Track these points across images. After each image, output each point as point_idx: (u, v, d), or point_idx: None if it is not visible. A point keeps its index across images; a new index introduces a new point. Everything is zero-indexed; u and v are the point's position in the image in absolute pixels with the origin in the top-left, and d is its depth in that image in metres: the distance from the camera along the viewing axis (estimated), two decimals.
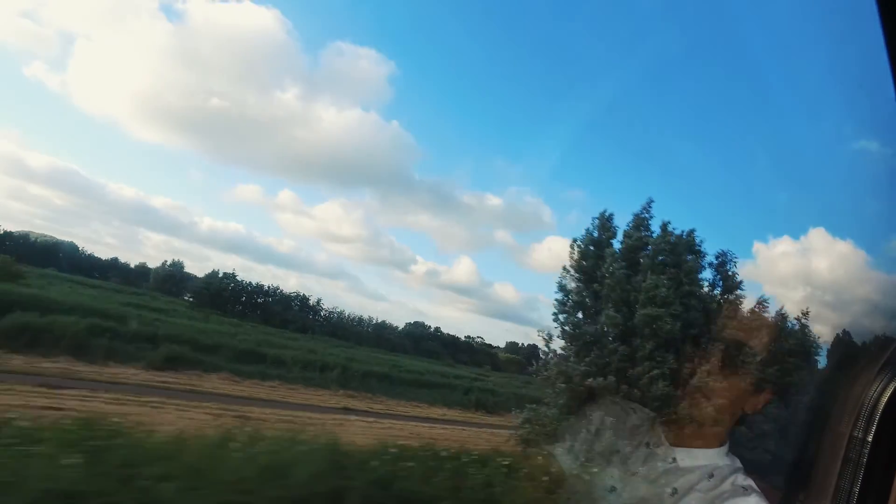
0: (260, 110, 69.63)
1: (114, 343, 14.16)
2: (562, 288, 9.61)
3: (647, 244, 9.25)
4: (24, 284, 22.68)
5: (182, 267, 55.13)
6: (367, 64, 70.22)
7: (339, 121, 74.38)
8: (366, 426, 12.55)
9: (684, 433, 1.08)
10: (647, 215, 9.39)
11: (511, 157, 63.72)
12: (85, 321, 13.82)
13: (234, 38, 69.37)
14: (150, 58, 68.78)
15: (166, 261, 56.03)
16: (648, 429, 1.15)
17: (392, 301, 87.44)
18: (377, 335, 50.72)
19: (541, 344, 8.38)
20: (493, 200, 68.77)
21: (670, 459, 1.06)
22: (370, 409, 15.91)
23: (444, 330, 62.49)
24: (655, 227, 8.23)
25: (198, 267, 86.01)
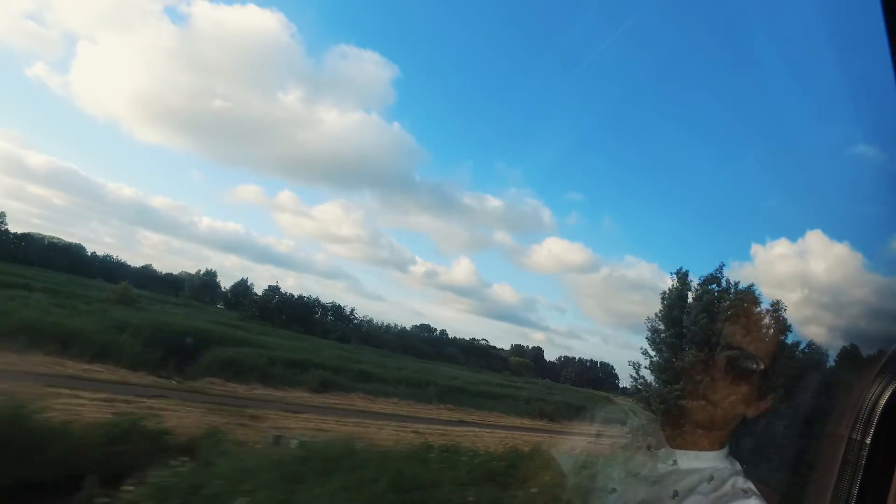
0: (262, 112, 70.19)
1: (276, 368, 17.40)
2: (652, 330, 13.99)
3: (721, 299, 13.72)
4: (139, 308, 25.50)
5: (215, 276, 57.66)
6: (370, 67, 71.22)
7: (340, 122, 75.30)
8: (493, 436, 16.01)
9: (685, 436, 1.10)
10: (718, 275, 13.94)
11: (512, 159, 65.25)
12: (265, 352, 17.07)
13: (238, 40, 69.09)
14: (152, 60, 68.51)
15: (199, 270, 58.50)
16: (649, 431, 1.20)
17: (390, 301, 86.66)
18: (403, 343, 53.77)
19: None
20: (494, 202, 71.04)
21: (671, 462, 1.09)
22: (474, 421, 19.38)
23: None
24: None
25: (195, 267, 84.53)
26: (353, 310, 52.46)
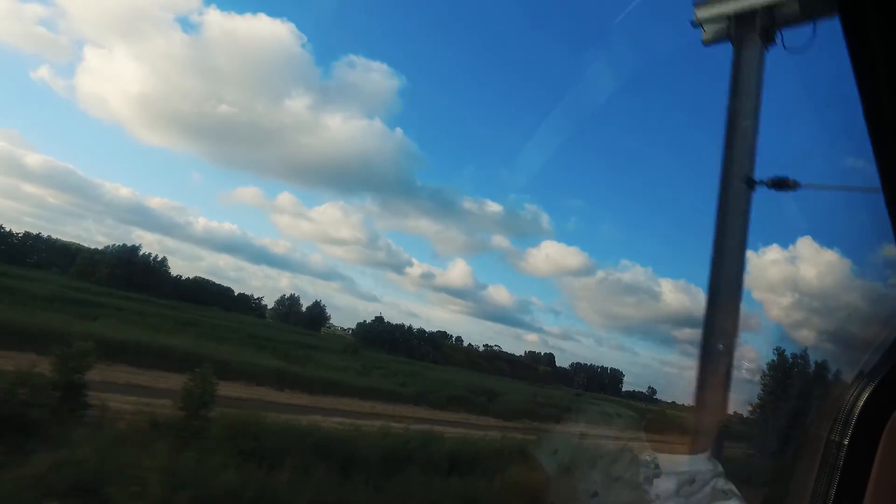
0: (268, 118, 73.69)
1: (537, 408, 26.33)
2: (762, 382, 24.65)
3: (798, 365, 24.59)
4: (363, 357, 33.28)
5: (298, 300, 63.94)
6: (377, 77, 75.54)
7: (345, 128, 77.95)
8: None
9: (667, 439, 1.21)
10: (804, 353, 24.55)
11: (512, 165, 67.07)
12: (521, 396, 26.17)
13: (248, 49, 72.29)
14: (160, 66, 71.82)
15: (284, 294, 64.30)
16: (632, 434, 1.56)
17: (384, 302, 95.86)
18: (467, 359, 61.57)
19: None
20: (493, 206, 73.77)
21: (653, 465, 1.16)
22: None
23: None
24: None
25: (188, 267, 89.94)
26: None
